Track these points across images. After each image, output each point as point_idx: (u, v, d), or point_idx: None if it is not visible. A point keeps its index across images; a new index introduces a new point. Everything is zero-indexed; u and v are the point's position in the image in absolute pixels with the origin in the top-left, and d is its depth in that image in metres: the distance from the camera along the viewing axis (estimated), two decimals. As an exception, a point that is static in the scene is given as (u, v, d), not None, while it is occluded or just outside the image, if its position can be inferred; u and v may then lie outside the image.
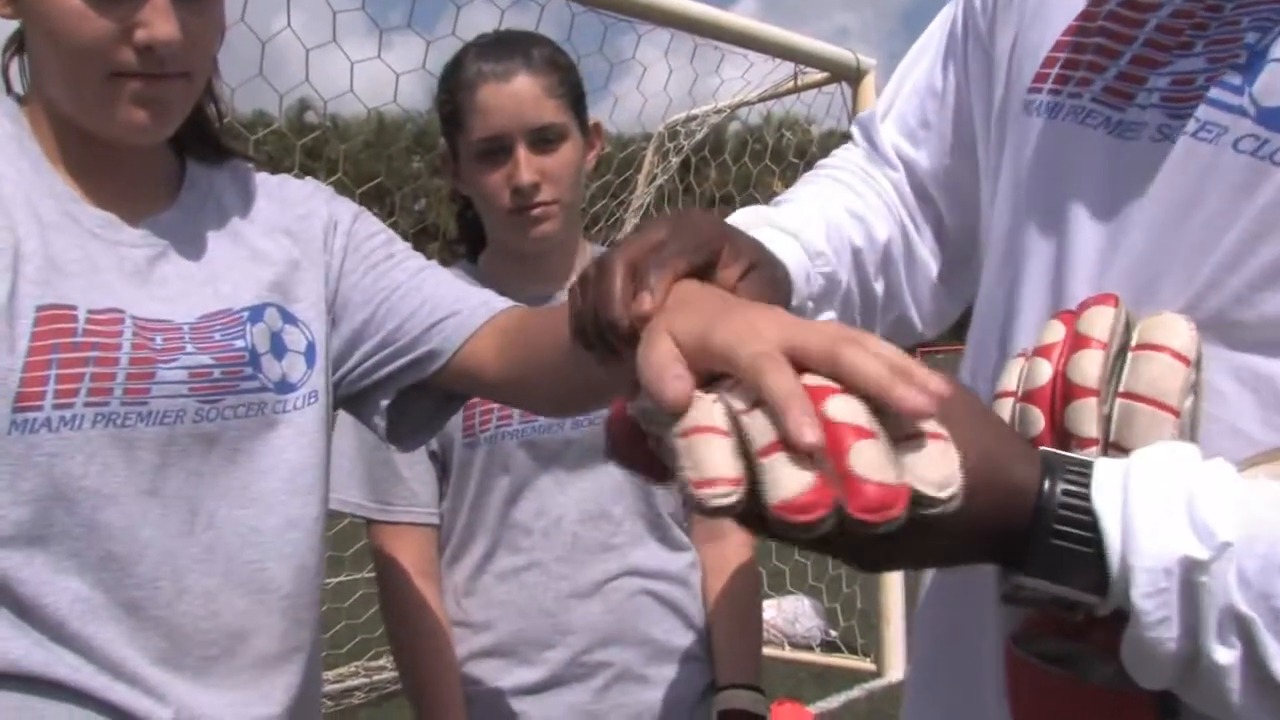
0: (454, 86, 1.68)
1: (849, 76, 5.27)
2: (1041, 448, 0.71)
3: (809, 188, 1.16)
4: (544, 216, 1.67)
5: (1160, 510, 0.64)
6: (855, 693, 5.73)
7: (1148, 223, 0.82)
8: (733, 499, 0.56)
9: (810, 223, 1.04)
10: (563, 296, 1.71)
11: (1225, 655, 0.63)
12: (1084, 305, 0.79)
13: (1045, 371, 0.77)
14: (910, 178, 1.17)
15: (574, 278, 1.72)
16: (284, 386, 1.20)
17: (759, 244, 0.85)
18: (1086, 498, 0.66)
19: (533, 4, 4.36)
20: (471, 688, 1.68)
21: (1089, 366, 0.75)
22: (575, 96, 1.71)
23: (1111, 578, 0.65)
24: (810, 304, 1.01)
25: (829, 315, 1.05)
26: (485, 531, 1.69)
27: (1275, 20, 0.78)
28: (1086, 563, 0.66)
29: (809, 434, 0.55)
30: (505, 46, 1.67)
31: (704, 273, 0.77)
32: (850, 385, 0.59)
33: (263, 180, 1.32)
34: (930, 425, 0.60)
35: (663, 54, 5.49)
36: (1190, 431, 0.75)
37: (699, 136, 6.27)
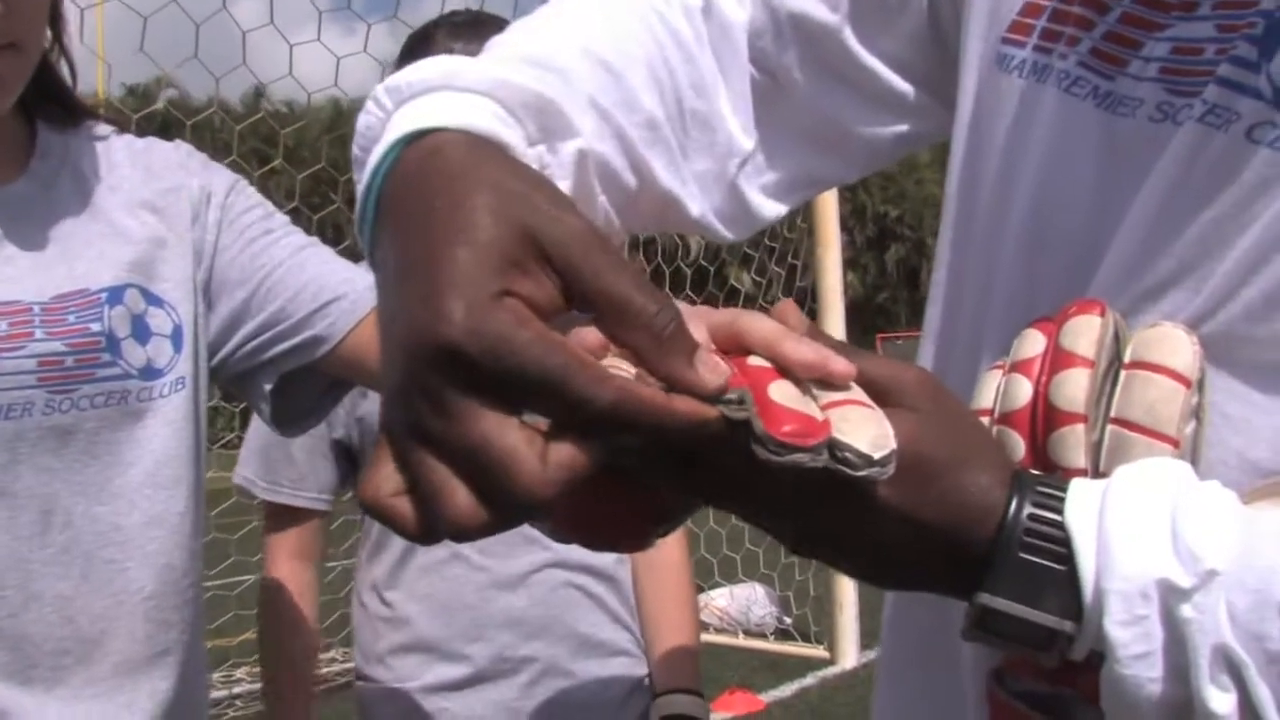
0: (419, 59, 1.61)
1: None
2: (1019, 469, 0.61)
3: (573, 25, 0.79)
4: None
5: (1140, 530, 0.55)
6: (809, 680, 5.74)
7: (1146, 219, 0.69)
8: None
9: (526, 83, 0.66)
10: None
11: (1222, 703, 0.53)
12: (1066, 313, 0.67)
13: (1025, 391, 0.66)
14: (773, 31, 0.85)
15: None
16: (149, 373, 1.11)
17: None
18: (1059, 512, 0.57)
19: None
20: (394, 684, 1.65)
21: (1074, 390, 0.63)
22: None
23: (1085, 602, 0.55)
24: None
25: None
26: None
27: None
28: (1058, 583, 0.56)
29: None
30: (477, 29, 1.60)
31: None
32: (749, 344, 0.55)
33: (127, 144, 1.22)
34: (862, 396, 0.55)
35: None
36: (1192, 462, 0.64)
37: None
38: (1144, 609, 0.54)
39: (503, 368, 0.45)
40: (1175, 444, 0.62)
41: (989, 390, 0.69)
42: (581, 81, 0.74)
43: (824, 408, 0.53)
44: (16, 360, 1.02)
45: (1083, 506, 0.57)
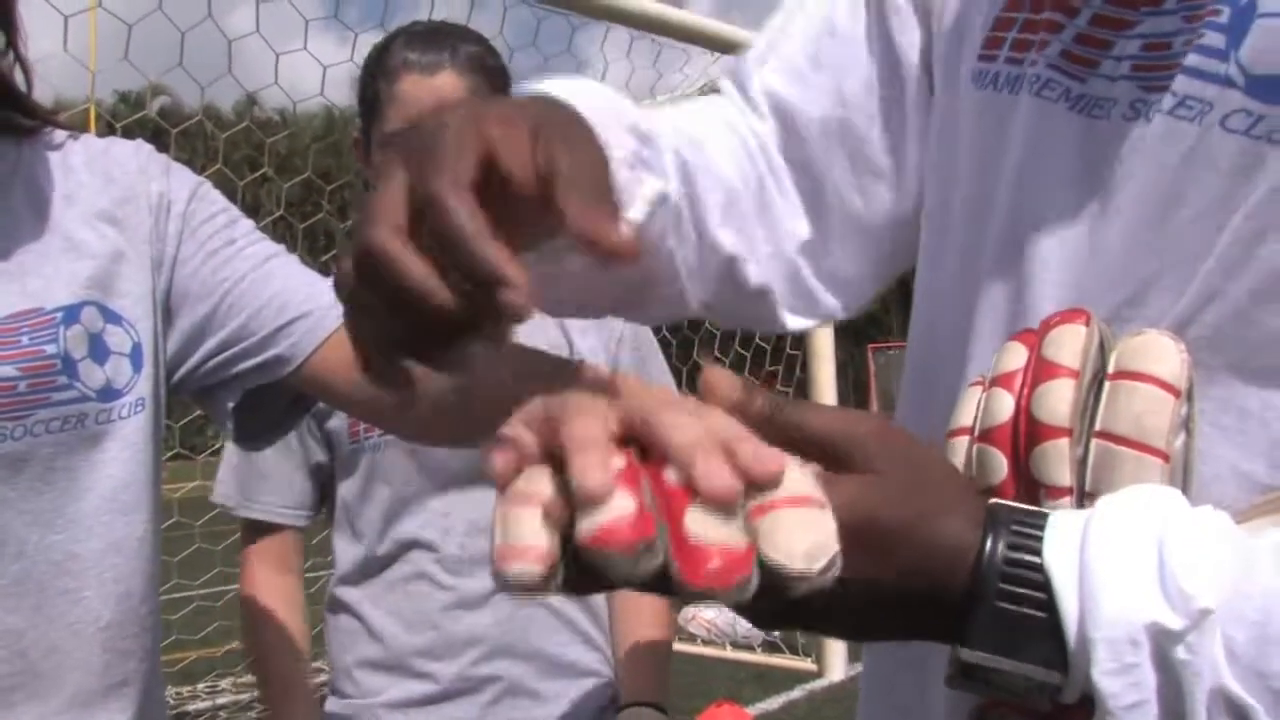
0: (377, 71, 1.60)
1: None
2: (991, 500, 0.58)
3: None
4: None
5: (1125, 571, 0.51)
6: (796, 693, 5.72)
7: (1126, 220, 0.68)
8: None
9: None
10: None
11: None
12: (1048, 324, 0.64)
13: (1006, 406, 0.62)
14: (785, 135, 0.92)
15: None
16: (107, 394, 1.06)
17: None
18: (1037, 552, 0.53)
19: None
20: (357, 700, 1.63)
21: (1057, 402, 0.60)
22: None
23: (1070, 650, 0.52)
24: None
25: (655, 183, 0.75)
26: (369, 538, 1.64)
27: None
28: (1041, 631, 0.53)
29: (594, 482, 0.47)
30: (435, 39, 1.59)
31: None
32: (662, 451, 0.50)
33: (84, 148, 1.15)
34: (799, 488, 0.50)
35: (599, 47, 5.42)
36: (1182, 477, 0.61)
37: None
38: (1133, 656, 0.51)
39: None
40: (1165, 457, 0.59)
41: (969, 407, 0.65)
42: (668, 139, 0.79)
43: (753, 514, 0.49)
44: None
45: (1062, 545, 0.53)
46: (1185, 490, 0.60)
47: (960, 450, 0.64)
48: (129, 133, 1.46)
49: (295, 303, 1.14)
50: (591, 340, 1.70)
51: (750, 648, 6.49)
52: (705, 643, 6.49)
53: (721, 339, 7.26)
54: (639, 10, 4.29)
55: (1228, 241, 0.64)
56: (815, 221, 0.92)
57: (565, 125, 0.58)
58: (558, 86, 0.66)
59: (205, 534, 5.42)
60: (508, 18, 4.46)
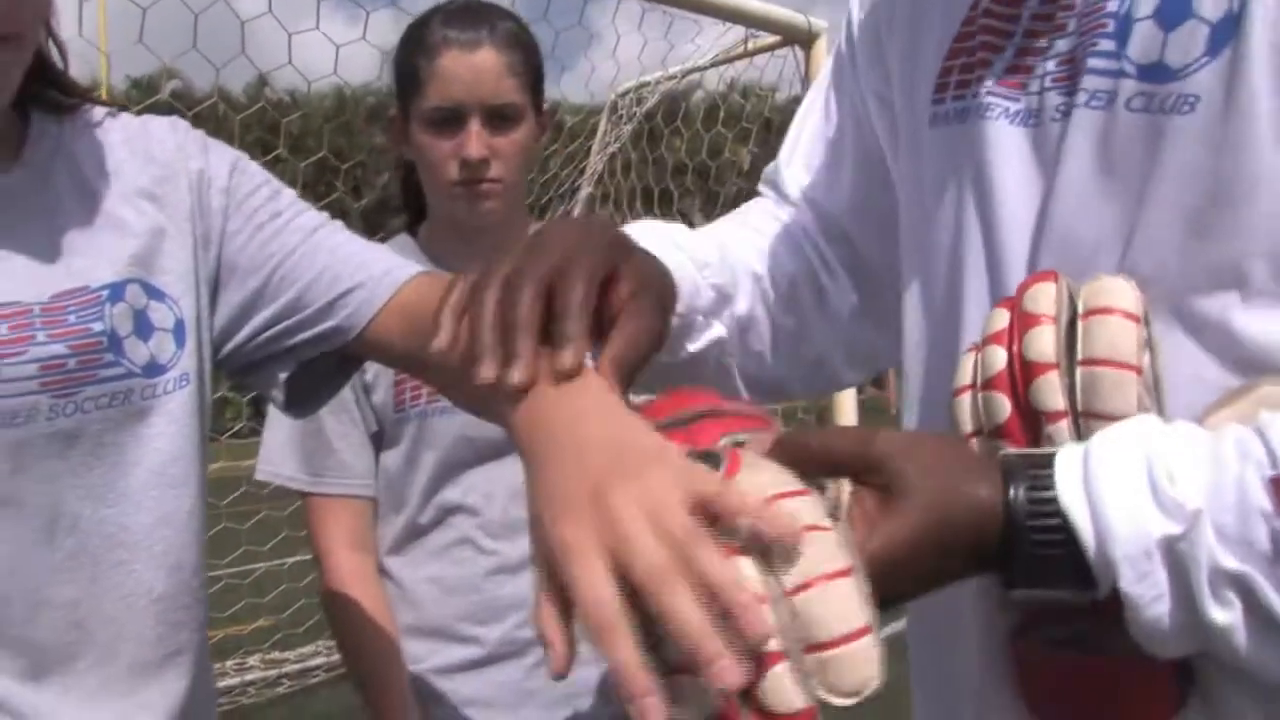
0: (415, 49, 1.63)
1: (800, 40, 5.21)
2: (1001, 452, 0.72)
3: (710, 228, 1.16)
4: (489, 194, 1.64)
5: (1126, 496, 0.65)
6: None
7: (1068, 198, 0.83)
8: None
9: (703, 241, 1.04)
10: None
11: (1223, 615, 0.64)
12: (1024, 286, 0.79)
13: (1000, 356, 0.77)
14: (821, 220, 1.16)
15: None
16: (152, 369, 1.08)
17: (648, 255, 0.83)
18: (1053, 499, 0.66)
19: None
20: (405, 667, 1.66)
21: (1043, 342, 0.75)
22: (535, 77, 1.68)
23: (1095, 572, 0.65)
24: (699, 317, 1.00)
25: (718, 330, 1.03)
26: (413, 506, 1.66)
27: None
28: (1068, 562, 0.66)
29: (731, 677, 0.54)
30: (473, 16, 1.63)
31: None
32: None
33: (123, 127, 1.17)
34: (825, 563, 0.58)
35: (610, 19, 5.42)
36: (1155, 387, 0.75)
37: (651, 103, 6.22)
38: (1148, 565, 0.64)
39: None
40: (1138, 371, 0.72)
41: (966, 368, 0.80)
42: (743, 259, 1.08)
43: (788, 594, 0.57)
44: (18, 366, 0.99)
45: (1071, 487, 0.66)
46: (1160, 396, 0.75)
47: (966, 404, 0.79)
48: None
49: (347, 273, 1.17)
50: None
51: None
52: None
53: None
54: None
55: (1152, 197, 0.78)
56: (860, 287, 1.14)
57: (659, 279, 0.83)
58: (662, 245, 0.92)
59: (230, 514, 5.48)
60: (518, -7, 4.45)
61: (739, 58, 5.63)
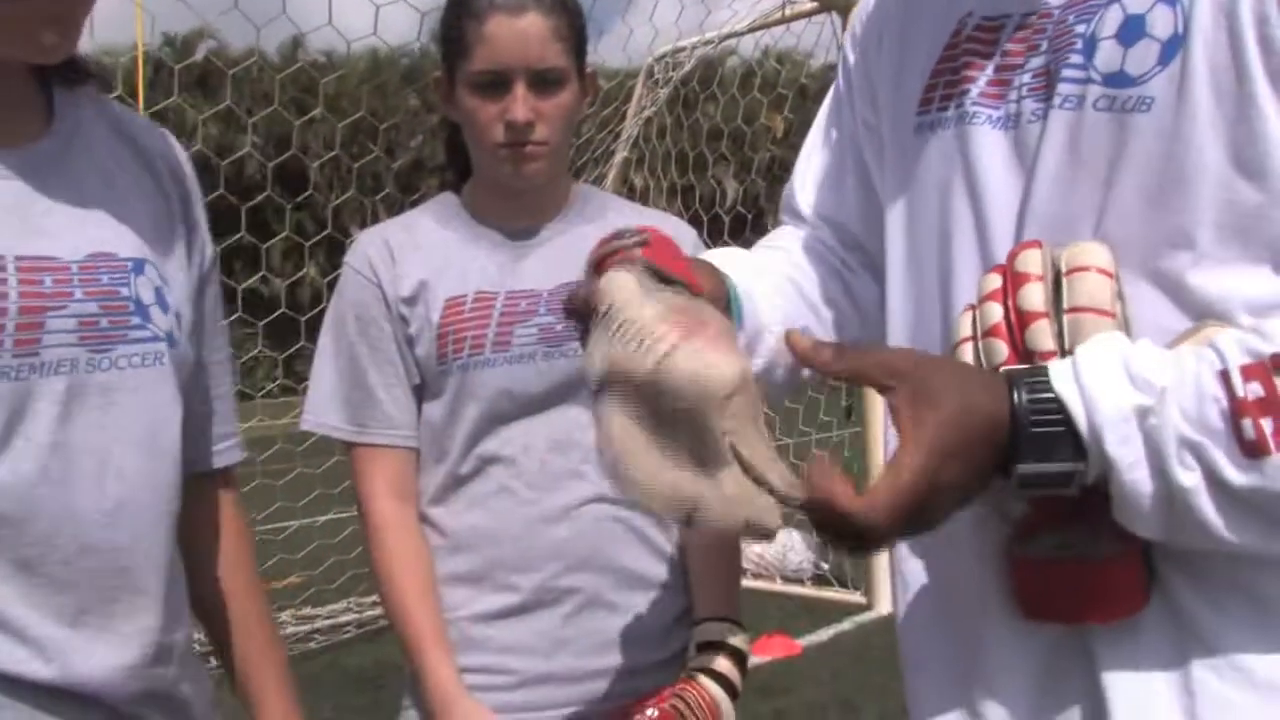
0: (462, 12, 1.65)
1: (838, 5, 5.20)
2: (1003, 368, 0.92)
3: (749, 259, 1.30)
4: (534, 156, 1.66)
5: (1107, 379, 0.85)
6: (846, 625, 5.79)
7: (1046, 184, 1.00)
8: None
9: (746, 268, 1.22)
10: (545, 232, 1.76)
11: (1188, 478, 0.83)
12: (1013, 254, 0.97)
13: (997, 310, 0.95)
14: (836, 232, 1.36)
15: (560, 212, 1.76)
16: (171, 340, 1.17)
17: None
18: (1049, 388, 0.86)
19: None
20: (443, 614, 1.68)
21: (1034, 295, 0.93)
22: (579, 41, 1.70)
23: (1086, 442, 0.85)
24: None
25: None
26: (454, 456, 1.69)
27: (1094, 11, 1.00)
28: (1064, 438, 0.86)
29: None
30: None
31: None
32: None
33: (127, 120, 1.26)
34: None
35: (650, -17, 5.40)
36: (1126, 330, 0.92)
37: (687, 68, 6.20)
38: (1127, 429, 0.84)
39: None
40: (1113, 316, 0.91)
41: (965, 324, 0.98)
42: (788, 281, 1.28)
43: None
44: (61, 319, 1.06)
45: (1064, 378, 0.86)
46: (1130, 337, 0.91)
47: (967, 352, 0.97)
48: (180, 77, 1.53)
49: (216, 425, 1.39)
50: None
51: (800, 581, 6.56)
52: (755, 576, 6.56)
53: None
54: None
55: (1119, 182, 0.96)
56: (879, 281, 1.28)
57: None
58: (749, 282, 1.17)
59: (265, 470, 5.55)
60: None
61: (777, 23, 5.62)
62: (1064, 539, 0.91)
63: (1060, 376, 0.87)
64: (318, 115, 6.21)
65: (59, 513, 1.06)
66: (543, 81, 1.63)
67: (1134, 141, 0.95)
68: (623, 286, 0.91)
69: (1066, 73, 1.00)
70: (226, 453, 1.38)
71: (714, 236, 7.15)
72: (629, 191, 6.86)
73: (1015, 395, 0.87)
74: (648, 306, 0.89)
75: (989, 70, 1.08)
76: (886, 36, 1.24)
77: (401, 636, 1.67)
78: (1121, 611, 0.92)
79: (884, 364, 0.92)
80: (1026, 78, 1.04)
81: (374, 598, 5.79)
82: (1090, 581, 0.92)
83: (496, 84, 1.62)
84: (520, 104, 1.62)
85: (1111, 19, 0.98)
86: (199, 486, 1.31)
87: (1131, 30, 0.97)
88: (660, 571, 1.73)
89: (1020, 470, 0.87)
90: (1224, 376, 0.83)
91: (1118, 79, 0.97)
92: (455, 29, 1.65)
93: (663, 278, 0.94)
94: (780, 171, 10.40)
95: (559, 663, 1.66)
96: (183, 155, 1.30)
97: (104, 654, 1.09)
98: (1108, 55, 0.98)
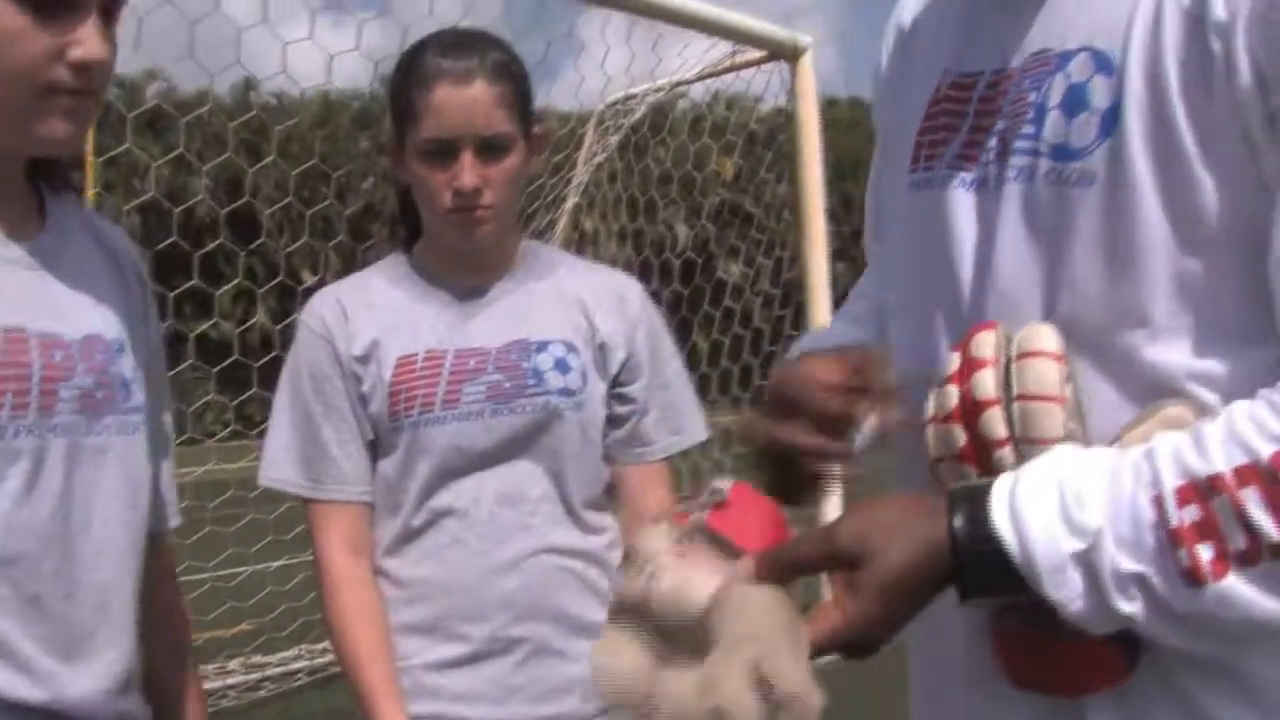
0: (411, 80, 1.70)
1: (786, 55, 5.29)
2: (953, 486, 0.91)
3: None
4: (482, 220, 1.71)
5: (1043, 523, 0.84)
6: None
7: (1005, 253, 1.01)
8: None
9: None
10: (494, 291, 1.80)
11: (1129, 606, 0.82)
12: (970, 334, 0.98)
13: (954, 395, 0.96)
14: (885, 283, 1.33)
15: (509, 271, 1.81)
16: (143, 411, 1.33)
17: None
18: (987, 524, 0.86)
19: (468, -18, 4.34)
20: (397, 663, 1.72)
21: (986, 382, 0.94)
22: (524, 105, 1.75)
23: (1028, 582, 0.84)
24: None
25: None
26: (407, 509, 1.73)
27: (1044, 79, 0.99)
28: (1005, 578, 0.85)
29: None
30: (465, 48, 1.70)
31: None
32: None
33: (97, 223, 1.40)
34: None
35: (600, 32, 5.48)
36: (1077, 410, 0.93)
37: (638, 115, 6.27)
38: (1064, 575, 0.84)
39: None
40: (1062, 401, 0.91)
41: (930, 404, 0.99)
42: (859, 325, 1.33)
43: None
44: (69, 389, 1.22)
45: (1002, 513, 0.86)
46: (1083, 418, 0.93)
47: (931, 434, 0.98)
48: (130, 123, 1.64)
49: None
50: (613, 323, 1.81)
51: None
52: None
53: (721, 319, 7.31)
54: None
55: (1063, 253, 0.96)
56: None
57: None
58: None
59: (217, 517, 5.51)
60: (509, 4, 4.53)
61: (725, 72, 5.70)
62: (1039, 614, 0.89)
63: (999, 510, 0.86)
64: (270, 161, 6.20)
65: (63, 553, 1.21)
66: (490, 148, 1.68)
67: (1081, 217, 0.95)
68: (650, 534, 0.95)
69: (1018, 143, 1.00)
70: (175, 516, 1.52)
71: (664, 281, 7.21)
72: (579, 237, 6.92)
73: (955, 523, 0.87)
74: (656, 539, 0.94)
75: (963, 131, 1.08)
76: (891, 88, 1.26)
77: (355, 687, 1.69)
78: (1103, 684, 0.93)
79: (820, 551, 0.90)
80: (993, 142, 1.04)
81: (325, 644, 5.74)
82: (1068, 655, 0.92)
83: (444, 152, 1.67)
84: (468, 171, 1.66)
85: (1057, 88, 0.98)
86: (152, 545, 1.41)
87: (1073, 100, 0.96)
88: (608, 619, 1.77)
89: (966, 605, 0.89)
90: (1158, 502, 0.82)
91: (1063, 151, 0.96)
92: (404, 96, 1.70)
93: (717, 540, 0.95)
94: (729, 216, 10.49)
95: (510, 710, 1.70)
96: (135, 253, 1.44)
97: (88, 681, 1.22)
98: (1054, 126, 0.97)
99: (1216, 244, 0.90)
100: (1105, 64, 0.95)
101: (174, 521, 1.51)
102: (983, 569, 0.86)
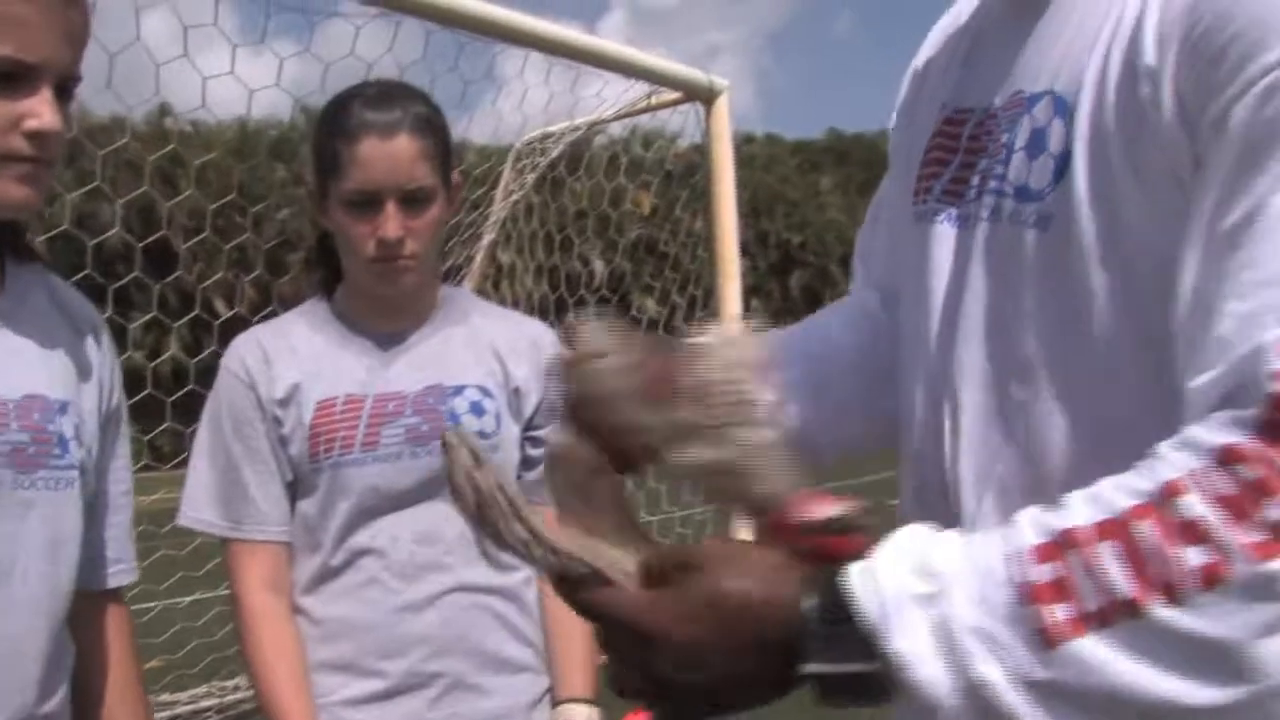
0: (336, 131, 1.74)
1: (703, 96, 5.38)
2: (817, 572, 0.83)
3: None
4: (405, 269, 1.76)
5: (893, 571, 0.78)
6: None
7: (971, 298, 1.02)
8: None
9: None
10: (413, 337, 1.85)
11: (987, 671, 0.74)
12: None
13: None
14: (885, 297, 1.31)
15: (428, 318, 1.86)
16: (82, 470, 1.38)
17: None
18: (847, 618, 0.78)
19: (389, 22, 4.37)
20: (315, 699, 1.75)
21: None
22: (446, 157, 1.81)
23: (876, 631, 0.77)
24: None
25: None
26: (326, 549, 1.77)
27: (1017, 119, 0.99)
28: (853, 635, 0.78)
29: None
30: (389, 101, 1.75)
31: None
32: None
33: (61, 290, 1.47)
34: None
35: (519, 71, 5.55)
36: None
37: (555, 154, 6.34)
38: (907, 619, 0.76)
39: None
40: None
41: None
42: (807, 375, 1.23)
43: None
44: None
45: (854, 569, 0.79)
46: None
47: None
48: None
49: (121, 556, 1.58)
50: (526, 369, 1.87)
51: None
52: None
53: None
54: (557, 37, 4.43)
55: (1030, 298, 0.96)
56: None
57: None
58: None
59: (171, 542, 5.43)
60: (430, 43, 4.57)
61: (642, 112, 5.78)
62: None
63: (852, 570, 0.79)
64: (186, 191, 6.14)
65: None
66: (413, 200, 1.73)
67: (1034, 258, 0.95)
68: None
69: (991, 183, 1.01)
70: (119, 575, 1.53)
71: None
72: (496, 271, 6.95)
73: (806, 583, 0.81)
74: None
75: (952, 167, 1.09)
76: (904, 119, 1.28)
77: None
78: None
79: (687, 557, 0.86)
80: (975, 179, 1.05)
81: (236, 681, 5.70)
82: None
83: (369, 203, 1.72)
84: (392, 222, 1.71)
85: (1024, 129, 0.98)
86: (91, 604, 1.46)
87: (1035, 143, 0.97)
88: (523, 655, 1.84)
89: (808, 669, 0.79)
90: (1014, 560, 0.76)
91: (1025, 193, 0.97)
92: (329, 146, 1.75)
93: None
94: (645, 252, 10.56)
95: (427, 745, 1.74)
96: (100, 320, 1.50)
97: None
98: (1019, 167, 0.98)
99: (1154, 289, 0.87)
100: (1062, 108, 0.95)
101: (121, 579, 1.53)
102: (830, 627, 0.78)
